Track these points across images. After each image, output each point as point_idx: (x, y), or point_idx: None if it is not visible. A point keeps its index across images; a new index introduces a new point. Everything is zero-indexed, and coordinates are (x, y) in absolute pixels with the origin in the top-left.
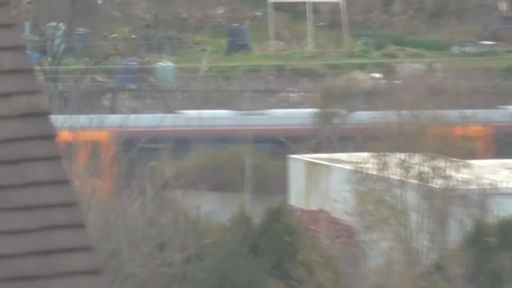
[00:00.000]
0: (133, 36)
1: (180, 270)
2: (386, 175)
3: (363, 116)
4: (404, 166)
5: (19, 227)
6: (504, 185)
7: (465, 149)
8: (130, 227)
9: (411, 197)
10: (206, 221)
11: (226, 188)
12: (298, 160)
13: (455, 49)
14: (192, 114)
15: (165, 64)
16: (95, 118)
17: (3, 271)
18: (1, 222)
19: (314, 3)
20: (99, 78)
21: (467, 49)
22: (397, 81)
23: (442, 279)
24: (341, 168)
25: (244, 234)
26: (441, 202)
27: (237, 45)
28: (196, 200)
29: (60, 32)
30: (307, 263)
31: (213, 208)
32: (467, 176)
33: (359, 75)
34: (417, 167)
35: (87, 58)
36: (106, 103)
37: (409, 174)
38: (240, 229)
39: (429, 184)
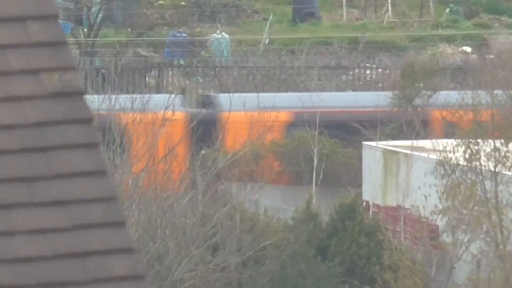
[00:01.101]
0: (183, 3)
1: (235, 276)
2: (477, 166)
3: (450, 97)
4: (499, 155)
5: (48, 226)
6: None
7: None
8: (178, 225)
9: (507, 192)
10: (266, 219)
11: (289, 180)
12: (374, 148)
13: None
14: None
15: (220, 36)
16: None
17: (31, 276)
18: (28, 220)
19: None
20: (143, 52)
21: None
22: (491, 56)
23: None
24: (424, 157)
25: (310, 234)
26: None
27: (303, 14)
28: (254, 194)
29: None
30: (393, 268)
31: (274, 204)
32: None
33: (447, 49)
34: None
35: (129, 29)
36: (151, 81)
37: (505, 165)
38: (305, 228)
39: None
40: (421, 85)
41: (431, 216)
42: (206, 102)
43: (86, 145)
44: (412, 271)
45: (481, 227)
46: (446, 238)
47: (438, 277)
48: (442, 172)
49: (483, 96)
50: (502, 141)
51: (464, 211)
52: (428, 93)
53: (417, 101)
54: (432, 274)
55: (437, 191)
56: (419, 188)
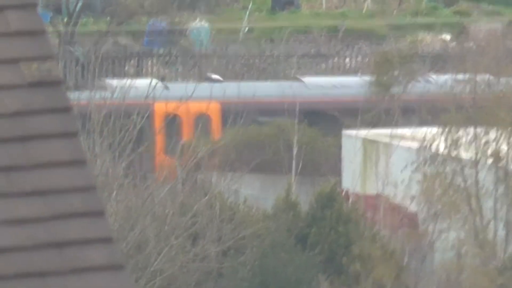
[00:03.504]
0: None
1: (215, 265)
2: (457, 154)
3: (430, 84)
4: (479, 143)
5: (27, 215)
6: None
7: None
8: (158, 215)
9: (487, 180)
10: (245, 209)
11: (269, 169)
12: (353, 137)
13: None
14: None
15: (199, 25)
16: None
17: (9, 266)
18: (6, 210)
19: None
20: (122, 41)
21: None
22: (470, 44)
23: None
24: (404, 146)
25: (290, 224)
26: None
27: (283, 2)
28: (234, 184)
29: None
30: (364, 257)
31: (254, 193)
32: None
33: (426, 36)
34: (493, 144)
35: (109, 18)
36: (130, 70)
37: (484, 153)
38: (285, 217)
39: (508, 165)
40: (399, 72)
41: (411, 204)
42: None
43: (65, 134)
44: (385, 261)
45: (460, 215)
46: (426, 226)
47: (416, 265)
48: (422, 160)
49: (463, 83)
50: (482, 128)
51: (444, 199)
52: (405, 80)
53: (395, 89)
54: (404, 263)
55: (416, 179)
56: (399, 176)
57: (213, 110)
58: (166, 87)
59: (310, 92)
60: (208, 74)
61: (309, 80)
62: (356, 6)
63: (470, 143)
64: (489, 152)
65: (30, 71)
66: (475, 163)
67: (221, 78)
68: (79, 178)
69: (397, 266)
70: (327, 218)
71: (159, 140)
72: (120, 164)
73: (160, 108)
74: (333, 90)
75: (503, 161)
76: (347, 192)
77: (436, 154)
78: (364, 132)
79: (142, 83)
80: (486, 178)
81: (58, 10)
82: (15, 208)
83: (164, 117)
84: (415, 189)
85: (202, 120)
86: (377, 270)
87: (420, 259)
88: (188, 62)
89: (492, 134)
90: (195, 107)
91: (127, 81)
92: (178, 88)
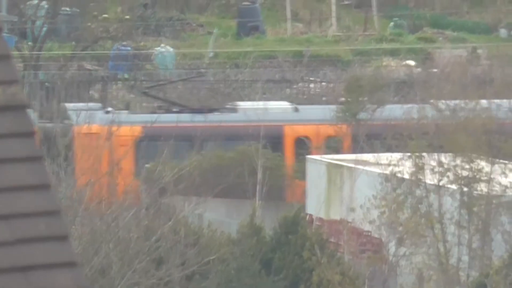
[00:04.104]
0: (127, 17)
1: None
2: (421, 180)
3: (394, 110)
4: (442, 168)
5: None
6: None
7: None
8: (122, 239)
9: (450, 205)
10: (210, 233)
11: (233, 194)
12: (318, 162)
13: (503, 32)
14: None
15: (164, 50)
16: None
17: None
18: None
19: None
20: (87, 65)
21: None
22: (435, 70)
23: None
24: (368, 171)
25: (255, 248)
26: (485, 211)
27: (248, 28)
28: (198, 208)
29: (42, 12)
30: (324, 283)
31: (219, 218)
32: None
33: (391, 62)
34: (457, 170)
35: (74, 43)
36: (95, 94)
37: (448, 178)
38: (250, 242)
39: (471, 190)
40: (365, 99)
41: (374, 229)
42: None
43: (30, 158)
44: (346, 286)
45: (424, 240)
46: (390, 251)
47: None
48: (387, 186)
49: (427, 109)
50: (447, 154)
51: (408, 224)
52: (373, 107)
53: (361, 115)
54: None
55: (380, 205)
56: (363, 201)
57: (345, 132)
58: (296, 110)
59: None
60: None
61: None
62: (321, 32)
63: (434, 168)
64: (453, 177)
65: None
66: (439, 188)
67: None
68: (43, 202)
69: None
70: (292, 243)
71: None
72: (85, 188)
73: (290, 130)
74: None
75: (467, 187)
76: (311, 216)
77: (400, 180)
78: (328, 157)
79: (273, 105)
80: (450, 203)
81: (23, 35)
82: None
83: (294, 139)
84: (379, 214)
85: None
86: None
87: (382, 284)
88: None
89: (457, 160)
90: (325, 129)
91: (258, 104)
92: (308, 111)
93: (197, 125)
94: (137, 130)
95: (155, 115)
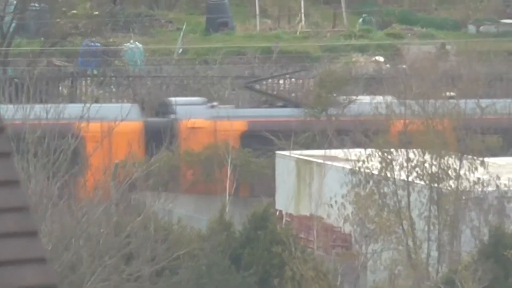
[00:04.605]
0: (96, 13)
1: (149, 286)
2: (390, 176)
3: (363, 106)
4: (411, 165)
5: None
6: None
7: (482, 145)
8: (92, 235)
9: (419, 201)
10: (180, 229)
11: (203, 190)
12: (287, 158)
13: (472, 28)
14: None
15: (133, 46)
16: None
17: None
18: None
19: None
20: (57, 61)
21: (485, 28)
22: (403, 66)
23: None
24: (337, 167)
25: (224, 244)
26: (453, 206)
27: (217, 24)
28: (168, 204)
29: (11, 8)
30: (298, 278)
31: (188, 213)
32: (483, 177)
33: (360, 58)
34: (425, 166)
35: (43, 38)
36: (64, 90)
37: (416, 174)
38: (219, 238)
39: (439, 186)
40: (334, 94)
41: (344, 225)
42: (163, 110)
43: None
44: (317, 281)
45: (393, 236)
46: (359, 247)
47: (349, 286)
48: (355, 181)
49: (395, 105)
50: (416, 150)
51: (377, 220)
52: (343, 102)
53: (330, 110)
54: (338, 283)
55: (349, 200)
56: (332, 197)
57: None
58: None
59: None
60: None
61: None
62: (290, 28)
63: (402, 164)
64: (422, 173)
65: None
66: (408, 184)
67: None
68: (12, 198)
69: (330, 287)
70: (261, 238)
71: None
72: (55, 184)
73: (395, 124)
74: None
75: (435, 183)
76: (280, 212)
77: (369, 175)
78: (297, 153)
79: (378, 99)
80: (418, 199)
81: None
82: None
83: (398, 134)
84: (348, 209)
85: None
86: None
87: (353, 280)
88: (122, 83)
89: (425, 156)
90: None
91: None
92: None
93: (299, 120)
94: (243, 124)
95: (260, 110)
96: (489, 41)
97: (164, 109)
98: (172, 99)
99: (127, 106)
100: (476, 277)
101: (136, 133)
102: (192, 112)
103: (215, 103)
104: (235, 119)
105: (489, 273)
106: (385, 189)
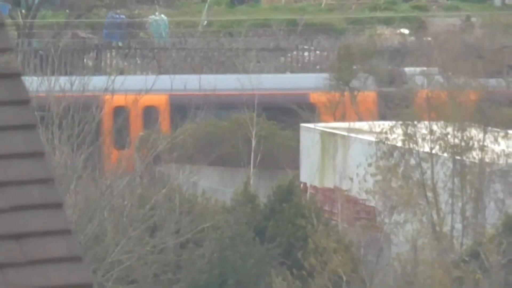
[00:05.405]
0: None
1: (173, 258)
2: (413, 148)
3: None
4: (435, 137)
5: None
6: None
7: (506, 117)
8: (116, 207)
9: (443, 173)
10: (204, 201)
11: (227, 162)
12: (312, 130)
13: (497, 0)
14: None
15: (158, 18)
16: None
17: None
18: None
19: None
20: (81, 33)
21: (511, 0)
22: (428, 38)
23: (478, 269)
24: (361, 139)
25: (249, 216)
26: (477, 179)
27: None
28: (193, 176)
29: None
30: (320, 250)
31: (213, 186)
32: (507, 149)
33: (384, 31)
34: (449, 138)
35: (67, 11)
36: (89, 62)
37: (441, 146)
38: (244, 210)
39: (464, 158)
40: (358, 67)
41: (368, 197)
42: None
43: (24, 126)
44: (340, 253)
45: (417, 208)
46: (383, 219)
47: (372, 258)
48: (379, 154)
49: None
50: (439, 123)
51: (401, 193)
52: (365, 75)
53: (354, 83)
54: (361, 256)
55: (373, 173)
56: (356, 169)
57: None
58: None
59: None
60: None
61: None
62: (315, 0)
63: (426, 136)
64: (445, 145)
65: None
66: (432, 156)
67: None
68: (37, 170)
69: (353, 259)
70: (285, 211)
71: None
72: (79, 156)
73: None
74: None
75: (459, 155)
76: (305, 185)
77: (393, 148)
78: (322, 125)
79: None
80: (442, 171)
81: (17, 3)
82: None
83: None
84: (372, 182)
85: None
86: (332, 263)
87: (377, 252)
88: (147, 55)
89: (448, 128)
90: None
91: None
92: None
93: None
94: None
95: None
96: None
97: (400, 79)
98: (408, 69)
99: None
100: (500, 250)
101: None
102: (427, 82)
103: None
104: None
105: None
106: (409, 161)
